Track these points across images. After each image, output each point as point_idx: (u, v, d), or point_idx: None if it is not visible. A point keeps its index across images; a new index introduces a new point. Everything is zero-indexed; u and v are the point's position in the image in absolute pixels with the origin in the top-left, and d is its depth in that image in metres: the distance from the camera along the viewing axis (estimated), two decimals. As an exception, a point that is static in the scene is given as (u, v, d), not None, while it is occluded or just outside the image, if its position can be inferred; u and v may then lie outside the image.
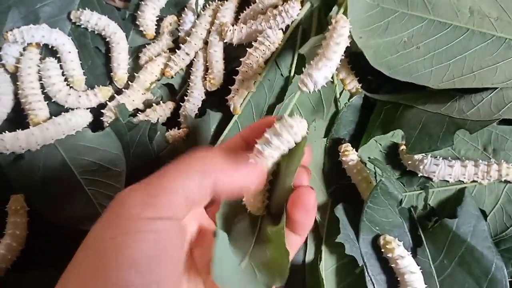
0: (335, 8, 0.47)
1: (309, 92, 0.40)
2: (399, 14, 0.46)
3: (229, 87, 0.48)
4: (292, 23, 0.48)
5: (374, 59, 0.44)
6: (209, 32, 0.51)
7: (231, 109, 0.47)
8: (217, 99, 0.50)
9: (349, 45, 0.49)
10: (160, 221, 0.25)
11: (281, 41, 0.46)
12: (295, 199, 0.30)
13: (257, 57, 0.46)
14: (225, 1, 0.52)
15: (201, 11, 0.53)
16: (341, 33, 0.42)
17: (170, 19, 0.53)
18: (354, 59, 0.49)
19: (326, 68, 0.40)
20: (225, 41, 0.49)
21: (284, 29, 0.48)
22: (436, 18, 0.45)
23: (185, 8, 0.53)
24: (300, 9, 0.47)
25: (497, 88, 0.41)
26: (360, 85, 0.48)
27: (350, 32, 0.43)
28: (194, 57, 0.51)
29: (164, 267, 0.25)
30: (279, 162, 0.32)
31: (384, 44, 0.45)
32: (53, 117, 0.48)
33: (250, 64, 0.46)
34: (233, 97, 0.47)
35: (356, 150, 0.46)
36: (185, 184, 0.26)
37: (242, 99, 0.47)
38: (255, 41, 0.47)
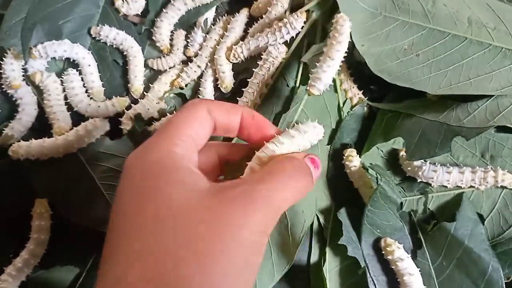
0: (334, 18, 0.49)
1: (320, 94, 0.43)
2: (400, 22, 0.48)
3: (237, 98, 0.51)
4: (297, 35, 0.50)
5: (376, 66, 0.47)
6: (218, 44, 0.54)
7: None
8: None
9: (352, 55, 0.52)
10: None
11: (285, 54, 0.49)
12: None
13: (263, 72, 0.49)
14: (234, 16, 0.54)
15: (211, 26, 0.56)
16: (342, 31, 0.45)
17: (180, 34, 0.56)
18: (357, 69, 0.51)
19: (331, 68, 0.43)
20: (236, 61, 0.52)
21: (289, 41, 0.50)
22: (436, 27, 0.47)
23: (196, 24, 0.56)
24: (305, 22, 0.50)
25: (492, 96, 0.43)
26: (362, 91, 0.51)
27: (352, 39, 0.45)
28: (204, 69, 0.54)
29: None
30: None
31: (385, 51, 0.48)
32: (74, 127, 0.51)
33: (262, 75, 0.49)
34: None
35: (359, 157, 0.48)
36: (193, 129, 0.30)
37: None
38: (264, 51, 0.50)
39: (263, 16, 0.53)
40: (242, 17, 0.54)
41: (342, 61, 0.52)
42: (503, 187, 0.44)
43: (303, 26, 0.50)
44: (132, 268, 0.24)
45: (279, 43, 0.49)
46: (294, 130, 0.33)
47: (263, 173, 0.29)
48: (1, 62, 0.52)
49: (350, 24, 0.45)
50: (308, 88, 0.43)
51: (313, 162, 0.31)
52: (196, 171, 0.29)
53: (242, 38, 0.54)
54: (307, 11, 0.51)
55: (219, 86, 0.53)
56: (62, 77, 0.53)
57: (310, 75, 0.44)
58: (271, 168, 0.30)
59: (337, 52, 0.44)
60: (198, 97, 0.53)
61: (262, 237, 0.26)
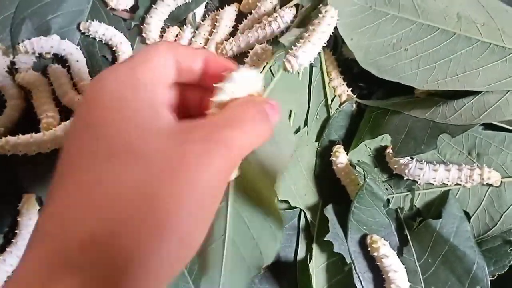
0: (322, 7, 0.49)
1: (293, 72, 0.43)
2: (390, 16, 0.48)
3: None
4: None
5: (364, 60, 0.47)
6: (207, 40, 0.54)
7: None
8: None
9: (340, 52, 0.52)
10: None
11: (270, 54, 0.49)
12: None
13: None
14: (223, 11, 0.54)
15: (201, 21, 0.56)
16: (329, 22, 0.45)
17: (174, 30, 0.56)
18: (346, 66, 0.51)
19: (310, 52, 0.43)
20: (227, 55, 0.52)
21: (279, 35, 0.50)
22: (425, 21, 0.47)
23: (186, 20, 0.56)
24: (295, 15, 0.49)
25: (478, 94, 0.43)
26: (350, 89, 0.51)
27: (341, 34, 0.45)
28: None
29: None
30: None
31: (374, 45, 0.48)
32: (62, 122, 0.51)
33: None
34: None
35: (347, 154, 0.48)
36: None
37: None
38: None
39: (253, 11, 0.53)
40: (230, 10, 0.54)
41: (333, 58, 0.53)
42: (489, 185, 0.44)
43: (293, 20, 0.50)
44: (74, 199, 0.24)
45: (264, 42, 0.49)
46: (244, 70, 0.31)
47: (224, 117, 0.28)
48: (-10, 57, 0.52)
49: (337, 18, 0.45)
50: (284, 62, 0.43)
51: (271, 107, 0.30)
52: (159, 106, 0.27)
53: (232, 34, 0.54)
54: (297, 5, 0.50)
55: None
56: (47, 73, 0.53)
57: (288, 50, 0.44)
58: (232, 111, 0.29)
59: (319, 39, 0.44)
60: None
61: (220, 182, 0.26)
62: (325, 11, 0.45)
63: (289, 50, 0.43)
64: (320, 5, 0.49)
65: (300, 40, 0.44)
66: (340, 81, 0.51)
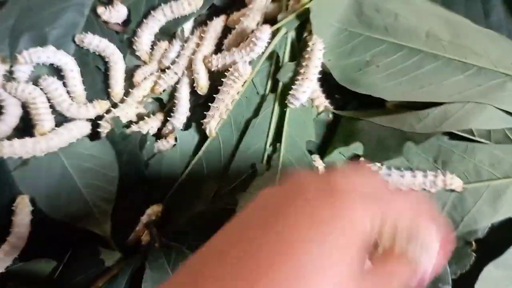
0: (309, 36, 0.53)
1: (296, 107, 0.51)
2: (363, 37, 0.52)
3: (205, 112, 0.54)
4: (268, 47, 0.54)
5: (340, 77, 0.52)
6: (195, 52, 0.58)
7: (207, 132, 0.53)
8: (202, 116, 0.55)
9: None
10: None
11: (249, 74, 0.53)
12: None
13: (227, 89, 0.52)
14: (209, 25, 0.58)
15: (190, 35, 0.59)
16: (319, 56, 0.51)
17: (163, 45, 0.59)
18: (323, 78, 0.55)
19: (309, 89, 0.51)
20: (211, 69, 0.55)
21: (261, 54, 0.54)
22: (395, 40, 0.51)
23: (175, 35, 0.60)
24: (271, 35, 0.53)
25: (441, 104, 0.46)
26: (328, 101, 0.54)
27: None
28: (181, 76, 0.58)
29: None
30: None
31: (349, 64, 0.52)
32: (56, 128, 0.54)
33: (227, 91, 0.52)
34: (208, 122, 0.53)
35: (322, 161, 0.51)
36: None
37: (216, 123, 0.53)
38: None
39: (236, 26, 0.56)
40: (216, 24, 0.58)
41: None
42: (452, 190, 0.48)
43: (271, 38, 0.53)
44: None
45: (246, 62, 0.52)
46: None
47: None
48: (-12, 66, 0.55)
49: (323, 46, 0.50)
50: (287, 102, 0.51)
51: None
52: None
53: (218, 47, 0.58)
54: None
55: (195, 89, 0.56)
56: (39, 82, 0.56)
57: (289, 92, 0.51)
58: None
59: (314, 75, 0.51)
60: (174, 102, 0.56)
61: None
62: (313, 44, 0.50)
63: (289, 92, 0.51)
64: (305, 34, 0.53)
65: (297, 77, 0.51)
66: (318, 93, 0.54)
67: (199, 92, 0.56)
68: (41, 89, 0.55)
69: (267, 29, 0.52)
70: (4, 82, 0.56)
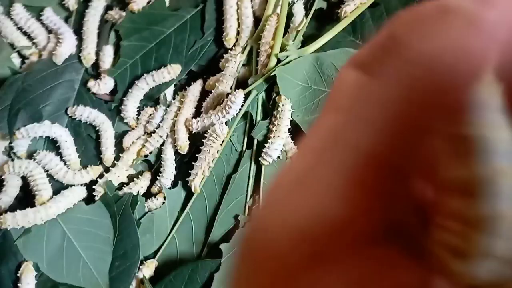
0: (278, 96, 0.59)
1: (270, 163, 0.56)
2: (326, 92, 0.58)
3: (189, 171, 0.59)
4: (241, 108, 0.60)
5: (308, 128, 0.57)
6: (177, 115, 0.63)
7: (192, 189, 0.58)
8: (187, 173, 0.61)
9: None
10: None
11: (226, 134, 0.58)
12: None
13: (207, 149, 0.58)
14: (188, 89, 0.64)
15: (172, 100, 0.65)
16: (288, 115, 0.57)
17: (149, 110, 0.65)
18: (295, 130, 0.60)
19: (280, 146, 0.57)
20: (192, 131, 0.61)
21: (236, 115, 0.59)
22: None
23: (158, 99, 0.66)
24: (245, 98, 0.59)
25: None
26: (296, 147, 0.60)
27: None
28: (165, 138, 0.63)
29: None
30: None
31: (315, 118, 0.57)
32: (54, 196, 0.59)
33: (207, 151, 0.58)
34: (193, 179, 0.58)
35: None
36: None
37: (200, 180, 0.58)
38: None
39: (212, 91, 0.62)
40: (194, 88, 0.64)
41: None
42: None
43: (243, 101, 0.59)
44: None
45: (223, 123, 0.58)
46: None
47: None
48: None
49: (291, 104, 0.56)
50: (260, 160, 0.57)
51: None
52: None
53: (198, 108, 0.64)
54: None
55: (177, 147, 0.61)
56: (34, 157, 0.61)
57: (262, 150, 0.57)
58: None
59: (284, 132, 0.57)
60: (161, 163, 0.62)
61: None
62: (282, 105, 0.57)
63: (263, 150, 0.56)
64: (274, 94, 0.59)
65: (270, 135, 0.57)
66: (291, 145, 0.60)
67: (180, 152, 0.61)
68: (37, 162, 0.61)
69: (240, 94, 0.58)
70: (5, 157, 0.61)
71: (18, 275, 0.56)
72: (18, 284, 0.56)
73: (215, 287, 0.54)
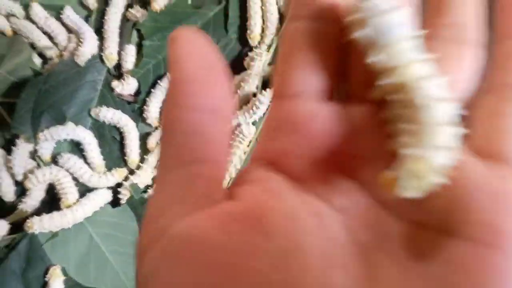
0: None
1: None
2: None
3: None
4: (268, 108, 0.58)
5: None
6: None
7: None
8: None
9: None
10: None
11: (253, 134, 0.57)
12: None
13: (235, 150, 0.56)
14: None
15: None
16: None
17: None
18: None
19: None
20: None
21: (263, 115, 0.58)
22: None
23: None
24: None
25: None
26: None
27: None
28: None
29: None
30: None
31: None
32: (80, 199, 0.58)
33: (234, 152, 0.57)
34: None
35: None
36: None
37: (227, 182, 0.57)
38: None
39: (238, 91, 0.61)
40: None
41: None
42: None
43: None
44: None
45: (249, 123, 0.57)
46: None
47: None
48: (13, 147, 0.60)
49: None
50: None
51: None
52: None
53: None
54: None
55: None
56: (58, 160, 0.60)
57: None
58: None
59: None
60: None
61: None
62: None
63: None
64: None
65: None
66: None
67: None
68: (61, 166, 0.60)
69: (268, 94, 0.57)
70: (30, 161, 0.61)
71: (46, 279, 0.56)
72: (47, 289, 0.56)
73: None
